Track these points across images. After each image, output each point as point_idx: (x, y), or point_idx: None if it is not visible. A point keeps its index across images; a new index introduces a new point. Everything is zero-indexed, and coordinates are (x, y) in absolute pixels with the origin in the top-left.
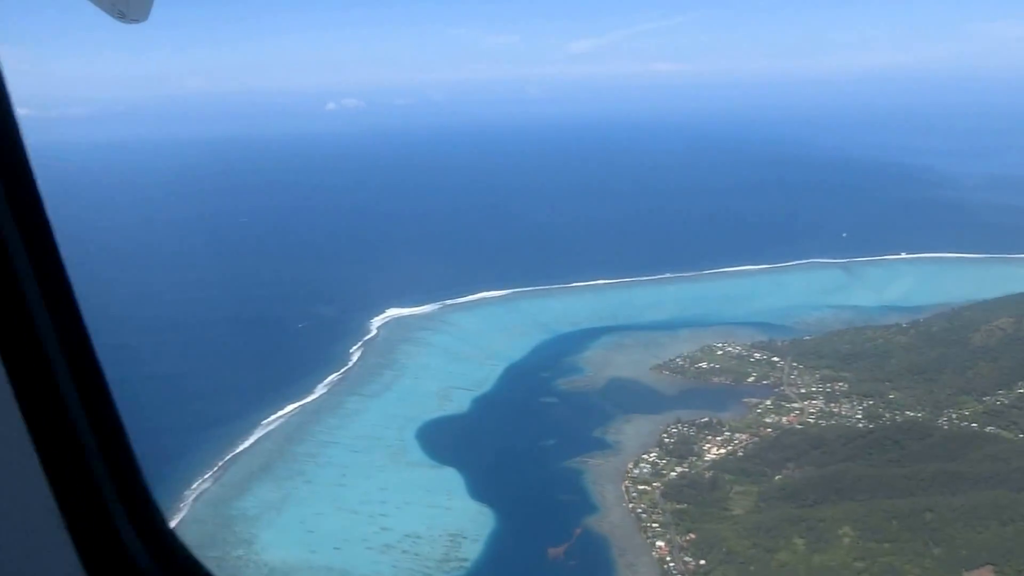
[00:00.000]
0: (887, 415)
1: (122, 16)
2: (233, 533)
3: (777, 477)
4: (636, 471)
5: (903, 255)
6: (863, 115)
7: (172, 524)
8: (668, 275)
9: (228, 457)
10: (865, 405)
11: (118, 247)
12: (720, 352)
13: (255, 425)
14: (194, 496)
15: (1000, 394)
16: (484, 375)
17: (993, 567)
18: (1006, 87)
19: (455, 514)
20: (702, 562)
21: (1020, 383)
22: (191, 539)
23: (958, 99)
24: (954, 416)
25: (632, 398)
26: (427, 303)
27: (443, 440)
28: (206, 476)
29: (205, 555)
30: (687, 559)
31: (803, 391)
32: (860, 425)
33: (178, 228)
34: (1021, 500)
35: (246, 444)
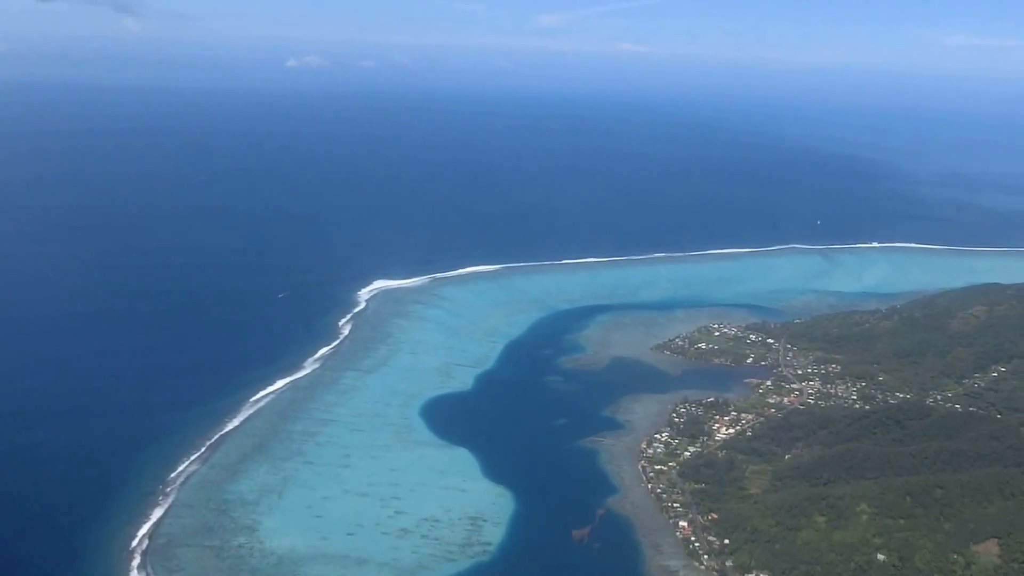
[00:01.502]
0: (879, 396)
1: None
2: (231, 519)
3: (787, 456)
4: (650, 451)
5: (874, 244)
6: (820, 108)
7: (162, 509)
8: (657, 255)
9: (216, 437)
10: (859, 386)
11: (67, 203)
12: (717, 333)
13: (243, 402)
14: (182, 479)
15: (976, 377)
16: (484, 351)
17: (998, 539)
18: (946, 90)
19: (472, 496)
20: (726, 541)
21: (994, 367)
22: (184, 526)
23: (903, 99)
24: (939, 397)
25: (637, 377)
26: (416, 275)
27: (449, 419)
28: (193, 457)
29: (201, 544)
30: (711, 538)
31: (800, 372)
32: (857, 406)
33: (132, 186)
34: (1021, 476)
35: (235, 422)
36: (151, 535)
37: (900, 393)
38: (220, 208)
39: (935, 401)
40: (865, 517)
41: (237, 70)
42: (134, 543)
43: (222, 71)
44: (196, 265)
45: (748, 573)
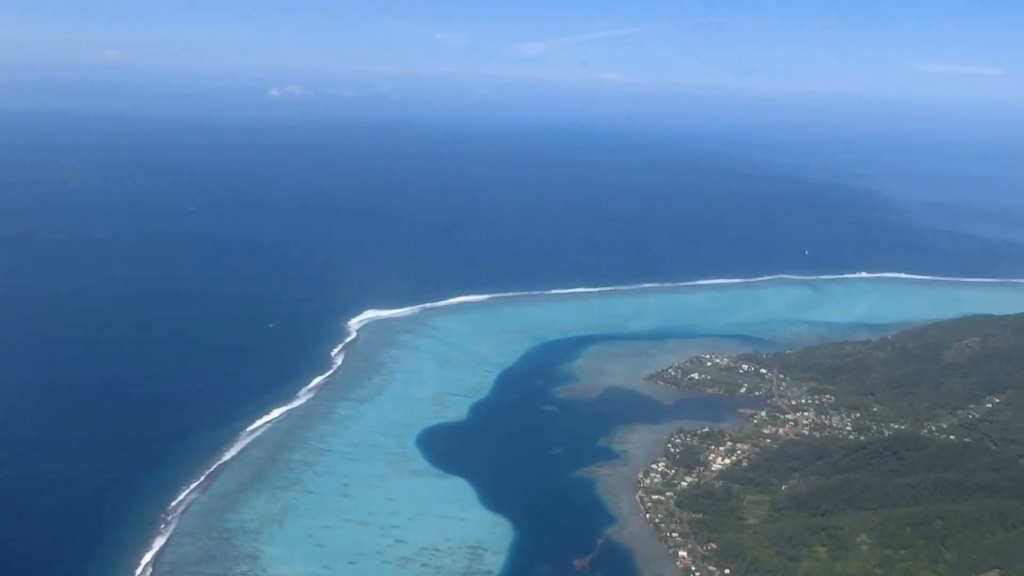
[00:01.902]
0: (874, 427)
1: None
2: (234, 548)
3: (784, 487)
4: (647, 481)
5: (863, 274)
6: (803, 136)
7: (164, 538)
8: (646, 286)
9: (215, 466)
10: (853, 417)
11: (54, 236)
12: (709, 363)
13: (240, 431)
14: (183, 507)
15: (971, 408)
16: (478, 381)
17: (1000, 571)
18: (929, 118)
19: (471, 525)
20: (727, 571)
21: (988, 398)
22: (187, 554)
23: (887, 127)
24: (933, 428)
25: (631, 407)
26: (405, 305)
27: (446, 448)
28: (192, 486)
29: (204, 572)
30: (711, 568)
31: (794, 403)
32: (852, 436)
33: (119, 216)
34: (1021, 507)
35: (233, 452)
36: (155, 563)
37: (895, 424)
38: (208, 238)
39: (930, 432)
40: (866, 547)
41: (220, 99)
42: (138, 571)
43: (205, 100)
44: (185, 295)
45: None
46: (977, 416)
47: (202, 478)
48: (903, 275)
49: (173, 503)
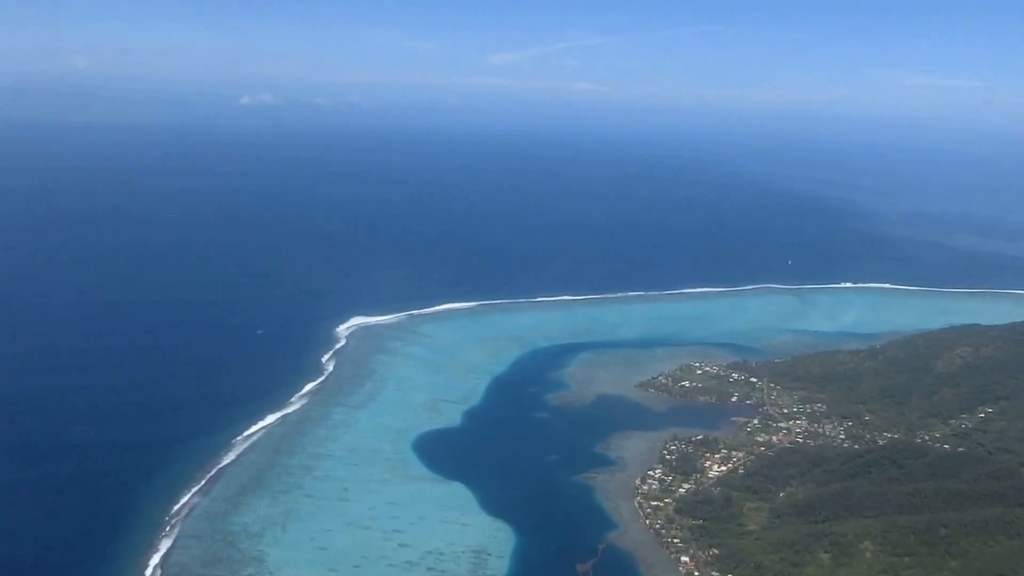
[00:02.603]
0: (868, 436)
1: None
2: (239, 551)
3: (782, 494)
4: (645, 487)
5: (847, 284)
6: (781, 148)
7: (170, 540)
8: (631, 294)
9: (215, 470)
10: (846, 426)
11: (35, 240)
12: (699, 372)
13: (236, 436)
14: (186, 511)
15: (964, 417)
16: (470, 388)
17: None
18: (906, 130)
19: (473, 530)
20: None
21: (981, 408)
22: (193, 557)
23: (864, 139)
24: (926, 438)
25: (624, 415)
26: (392, 312)
27: (443, 454)
28: (194, 490)
29: (211, 574)
30: (714, 573)
31: (786, 411)
32: (846, 445)
33: (98, 223)
34: None
35: (231, 456)
36: (163, 564)
37: (887, 433)
38: (189, 245)
39: (923, 441)
40: (869, 555)
41: (191, 107)
42: (148, 572)
43: (176, 107)
44: (172, 302)
45: None
46: (970, 426)
47: (203, 482)
48: (887, 285)
49: (176, 507)
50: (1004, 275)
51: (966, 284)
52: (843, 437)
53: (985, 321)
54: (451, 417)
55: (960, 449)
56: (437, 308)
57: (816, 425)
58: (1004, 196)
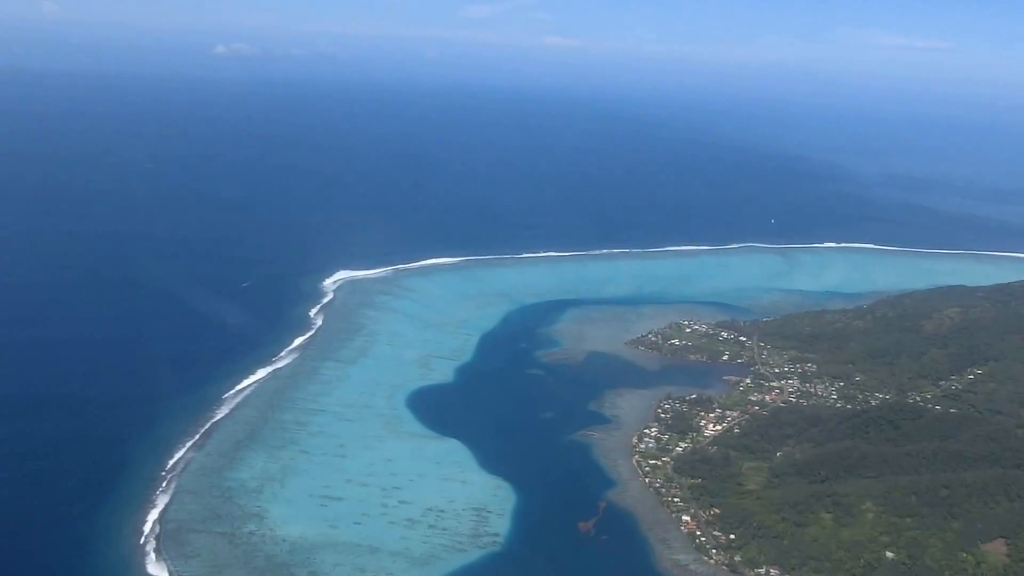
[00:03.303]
0: (860, 396)
1: None
2: (238, 507)
3: (779, 454)
4: (642, 446)
5: (830, 244)
6: (757, 106)
7: (167, 496)
8: (616, 251)
9: (208, 425)
10: (837, 386)
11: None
12: (688, 330)
13: (228, 390)
14: (181, 466)
15: (953, 379)
16: (460, 344)
17: (1006, 540)
18: (881, 91)
19: (473, 488)
20: (732, 536)
21: (970, 369)
22: (191, 512)
23: (841, 99)
24: (918, 398)
25: (616, 373)
26: (378, 267)
27: (437, 410)
28: (188, 445)
29: (212, 531)
30: (716, 533)
31: (777, 371)
32: (839, 405)
33: (75, 168)
34: None
35: (224, 411)
36: (161, 521)
37: (879, 393)
38: (170, 195)
39: (915, 402)
40: (871, 515)
41: (164, 55)
42: (146, 528)
43: (150, 56)
44: (154, 253)
45: (758, 568)
46: (960, 387)
47: (196, 436)
48: (870, 245)
49: (171, 461)
50: (982, 237)
51: (946, 246)
52: (835, 397)
53: (968, 282)
54: (443, 373)
55: (952, 411)
56: (423, 263)
57: (808, 385)
58: (976, 158)
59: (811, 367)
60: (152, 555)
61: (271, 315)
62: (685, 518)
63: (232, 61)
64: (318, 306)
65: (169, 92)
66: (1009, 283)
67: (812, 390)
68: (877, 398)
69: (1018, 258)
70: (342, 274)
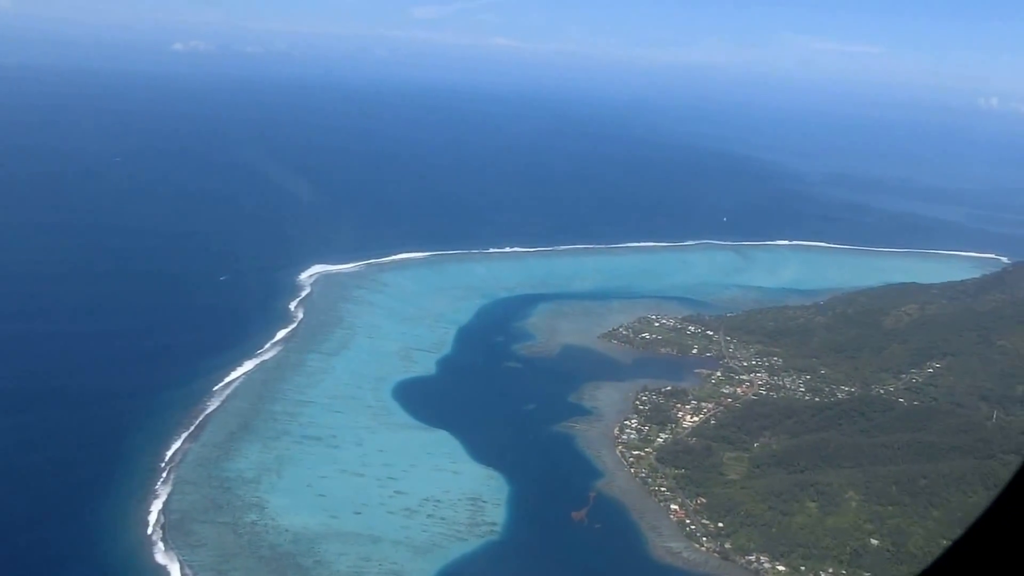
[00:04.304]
0: (826, 389)
1: None
2: (237, 497)
3: (756, 444)
4: (624, 437)
5: (783, 242)
6: (695, 107)
7: (168, 487)
8: (580, 246)
9: (201, 417)
10: (804, 379)
11: None
12: (657, 324)
13: (217, 383)
14: (179, 457)
15: (913, 372)
16: (439, 337)
17: None
18: (815, 93)
19: (465, 478)
20: (720, 524)
21: (929, 363)
22: (192, 503)
23: (778, 100)
24: (882, 391)
25: (591, 366)
26: (351, 261)
27: (422, 401)
28: (183, 436)
29: (215, 521)
30: (705, 521)
31: (745, 364)
32: (807, 398)
33: (42, 160)
34: (999, 467)
35: (215, 403)
36: (164, 512)
37: (844, 386)
38: (139, 188)
39: (879, 394)
40: (855, 504)
41: (122, 50)
42: (151, 519)
43: (108, 52)
44: (128, 247)
45: (748, 555)
46: (920, 380)
47: (191, 428)
48: (820, 244)
49: (168, 453)
50: (925, 235)
51: (892, 244)
52: (803, 390)
53: (916, 280)
54: (425, 366)
55: (916, 403)
56: (394, 257)
57: (776, 378)
58: (910, 159)
59: (777, 361)
60: (160, 545)
61: (251, 308)
62: (673, 507)
63: (190, 58)
64: (297, 299)
65: (128, 88)
66: (963, 280)
67: (781, 383)
68: (843, 391)
69: (962, 256)
70: (317, 268)
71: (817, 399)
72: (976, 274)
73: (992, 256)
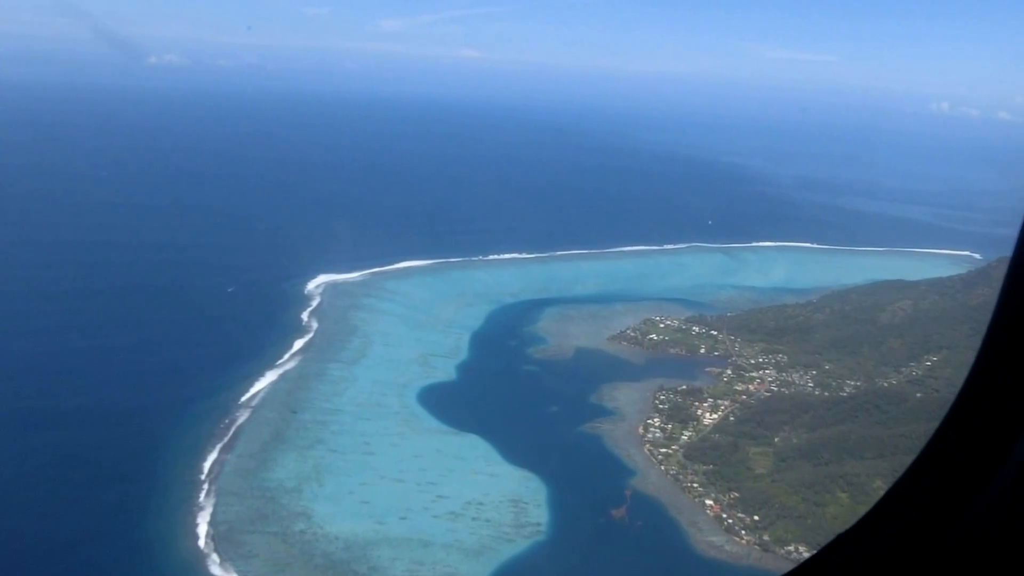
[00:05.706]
0: (833, 383)
1: None
2: (282, 507)
3: (777, 439)
4: (649, 436)
5: (768, 243)
6: (661, 115)
7: (213, 498)
8: (576, 252)
9: (233, 428)
10: (811, 375)
11: None
12: (662, 325)
13: (243, 394)
14: (217, 469)
15: (912, 365)
16: (454, 343)
17: None
18: (772, 101)
19: (504, 480)
20: (756, 517)
21: (926, 356)
22: (238, 513)
23: (742, 108)
24: (885, 384)
25: (606, 367)
26: (356, 270)
27: (448, 406)
28: (217, 447)
29: (263, 531)
30: (740, 515)
31: (753, 362)
32: (817, 392)
33: (28, 180)
34: None
35: (244, 414)
36: (212, 523)
37: (850, 381)
38: (131, 203)
39: (888, 387)
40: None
41: (95, 65)
42: (200, 531)
43: (80, 66)
44: (128, 261)
45: (787, 546)
46: (920, 373)
47: (225, 439)
48: (804, 244)
49: (206, 465)
50: (900, 234)
51: (871, 243)
52: (812, 385)
53: (901, 277)
54: (445, 371)
55: (920, 395)
56: (397, 265)
57: (784, 374)
58: (872, 163)
59: (783, 358)
60: (214, 556)
61: (263, 319)
62: (708, 502)
63: (165, 71)
64: (308, 309)
65: (103, 102)
66: (950, 276)
67: (789, 379)
68: (850, 385)
69: (938, 254)
70: (323, 278)
71: (827, 394)
72: (954, 271)
73: (967, 253)
